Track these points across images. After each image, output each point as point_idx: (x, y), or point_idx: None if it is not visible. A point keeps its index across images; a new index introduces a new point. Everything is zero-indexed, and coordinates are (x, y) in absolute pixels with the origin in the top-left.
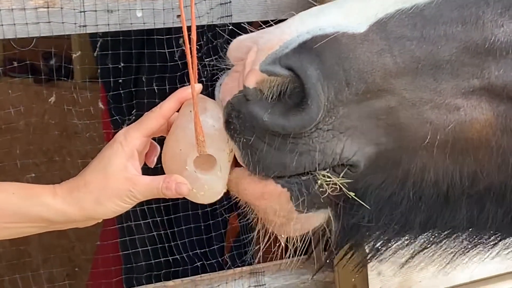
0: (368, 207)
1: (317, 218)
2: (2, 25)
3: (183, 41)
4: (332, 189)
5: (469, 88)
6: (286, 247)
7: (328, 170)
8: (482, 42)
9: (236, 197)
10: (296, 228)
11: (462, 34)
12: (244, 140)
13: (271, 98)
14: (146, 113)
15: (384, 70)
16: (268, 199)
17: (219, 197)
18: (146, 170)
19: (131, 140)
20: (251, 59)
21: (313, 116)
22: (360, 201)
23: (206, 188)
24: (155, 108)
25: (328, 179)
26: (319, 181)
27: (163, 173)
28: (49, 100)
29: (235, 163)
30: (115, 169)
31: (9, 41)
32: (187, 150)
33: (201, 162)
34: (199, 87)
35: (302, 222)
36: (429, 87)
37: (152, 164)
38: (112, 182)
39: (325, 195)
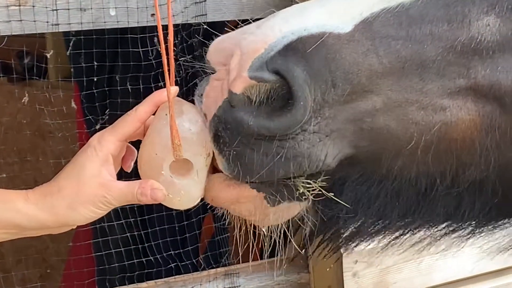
0: (347, 205)
1: (295, 208)
2: None
3: (158, 41)
4: (313, 194)
5: (455, 88)
6: (261, 247)
7: (305, 176)
8: (468, 41)
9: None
10: (276, 217)
11: (448, 33)
12: (234, 152)
13: (259, 103)
14: (121, 116)
15: (370, 71)
16: (244, 203)
17: (196, 202)
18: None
19: (106, 144)
20: (235, 63)
21: (298, 117)
22: (340, 201)
23: (183, 193)
24: (130, 111)
25: (308, 186)
26: (300, 190)
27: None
28: (22, 100)
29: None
30: (89, 175)
31: None
32: (163, 155)
33: (177, 166)
34: (175, 89)
35: (280, 213)
36: (415, 87)
37: (129, 168)
38: (86, 188)
39: (308, 202)
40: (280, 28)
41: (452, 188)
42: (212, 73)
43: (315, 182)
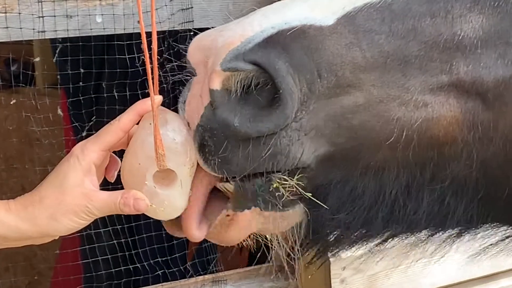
0: (325, 206)
1: (295, 215)
2: None
3: (146, 49)
4: (289, 192)
5: (438, 84)
6: (249, 255)
7: (282, 173)
8: (450, 37)
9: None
10: (275, 227)
11: (430, 29)
12: (219, 160)
13: (239, 94)
14: (104, 126)
15: (353, 64)
16: (248, 226)
17: (180, 213)
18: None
19: (88, 153)
20: (212, 61)
21: (288, 112)
22: (317, 201)
23: (166, 204)
24: (113, 121)
25: (284, 182)
26: (274, 184)
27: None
28: (11, 102)
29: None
30: (71, 184)
31: None
32: (147, 165)
33: (161, 177)
34: (159, 99)
35: (280, 221)
36: (398, 82)
37: (112, 178)
38: (68, 198)
39: (283, 198)
40: (260, 23)
41: (434, 183)
42: (194, 76)
43: (291, 180)
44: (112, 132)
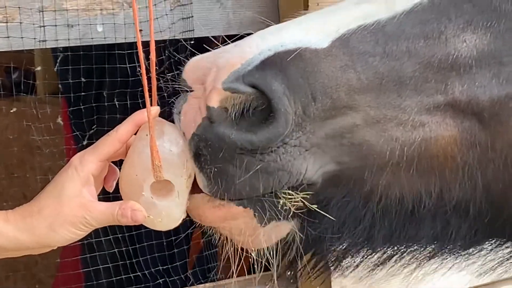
0: (330, 217)
1: (284, 228)
2: None
3: (145, 57)
4: (295, 206)
5: (434, 104)
6: (249, 262)
7: (286, 189)
8: (445, 57)
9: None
10: (264, 239)
11: (424, 50)
12: (215, 169)
13: (235, 115)
14: (102, 136)
15: (349, 86)
16: (232, 220)
17: (177, 223)
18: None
19: (87, 164)
20: (211, 79)
21: (280, 130)
22: (323, 213)
23: (164, 214)
24: (111, 131)
25: (290, 197)
26: (281, 201)
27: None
28: (11, 110)
29: (193, 189)
30: (70, 195)
31: None
32: (144, 176)
33: (158, 187)
34: (156, 110)
35: (270, 233)
36: (393, 103)
37: (110, 188)
38: (66, 208)
39: (290, 213)
40: (257, 44)
41: (438, 208)
42: (189, 91)
43: (297, 194)
44: (109, 143)
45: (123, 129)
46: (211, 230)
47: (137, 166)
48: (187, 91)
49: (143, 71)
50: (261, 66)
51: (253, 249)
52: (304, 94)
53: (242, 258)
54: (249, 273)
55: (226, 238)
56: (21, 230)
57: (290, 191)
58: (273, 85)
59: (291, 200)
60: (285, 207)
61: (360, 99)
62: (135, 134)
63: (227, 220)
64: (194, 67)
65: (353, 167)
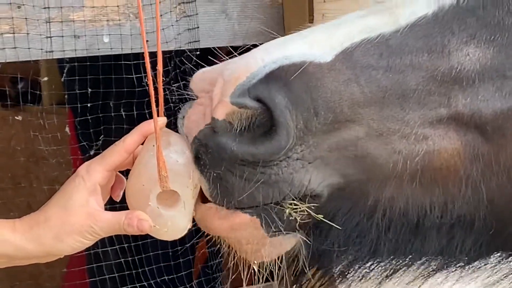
0: (337, 227)
1: (289, 242)
2: None
3: (151, 68)
4: (300, 216)
5: (437, 117)
6: (254, 273)
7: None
8: (448, 71)
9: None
10: (269, 252)
11: (428, 63)
12: (214, 174)
13: (240, 130)
14: (109, 146)
15: (352, 100)
16: (239, 230)
17: (183, 233)
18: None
19: (93, 174)
20: (218, 91)
21: (282, 143)
22: (329, 222)
23: (170, 224)
24: (118, 141)
25: (295, 207)
26: (287, 210)
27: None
28: (17, 118)
29: (201, 198)
30: (76, 204)
31: None
32: (150, 186)
33: (164, 197)
34: (163, 120)
35: (275, 246)
36: (396, 116)
37: (117, 198)
38: (73, 218)
39: (296, 223)
40: (262, 57)
41: (443, 220)
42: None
43: (302, 204)
44: (116, 153)
45: (130, 140)
46: (218, 240)
47: (144, 176)
48: (194, 99)
49: (150, 81)
50: (265, 80)
51: (256, 261)
52: (306, 108)
53: (249, 268)
54: (253, 283)
55: (233, 248)
56: (28, 239)
57: (295, 202)
58: (277, 98)
59: (296, 209)
60: (291, 218)
61: (364, 112)
62: (142, 144)
63: (234, 230)
64: (201, 78)
65: (357, 180)
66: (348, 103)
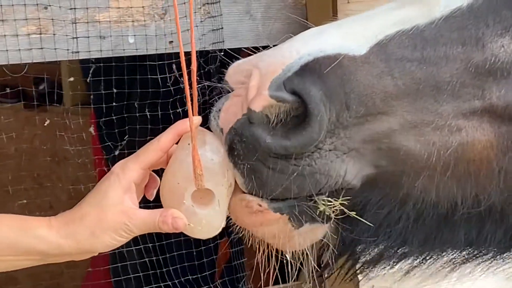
0: (369, 224)
1: (319, 231)
2: None
3: (177, 68)
4: (335, 213)
5: (470, 109)
6: (278, 271)
7: (326, 194)
8: (482, 63)
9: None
10: (300, 241)
11: (462, 55)
12: (248, 166)
13: (277, 123)
14: (144, 145)
15: (385, 93)
16: (269, 225)
17: (217, 232)
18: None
19: (128, 172)
20: (255, 82)
21: (314, 135)
22: (363, 220)
23: (204, 223)
24: (153, 140)
25: (329, 203)
26: (321, 207)
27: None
28: (45, 124)
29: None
30: (112, 202)
31: (0, 67)
32: (185, 184)
33: (199, 196)
34: (198, 119)
35: (305, 236)
36: (430, 108)
37: (151, 196)
38: (108, 215)
39: (330, 220)
40: (297, 49)
41: (473, 212)
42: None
43: (336, 200)
44: (151, 152)
45: (165, 138)
46: (243, 234)
47: (179, 174)
48: (229, 92)
49: (186, 81)
50: (300, 72)
51: (287, 251)
52: (339, 102)
53: (277, 263)
54: (275, 283)
55: (260, 241)
56: (64, 236)
57: (329, 198)
58: (311, 90)
59: (330, 206)
60: (325, 214)
61: (397, 105)
62: (177, 143)
63: (262, 225)
64: (236, 70)
65: (391, 171)
66: (381, 96)
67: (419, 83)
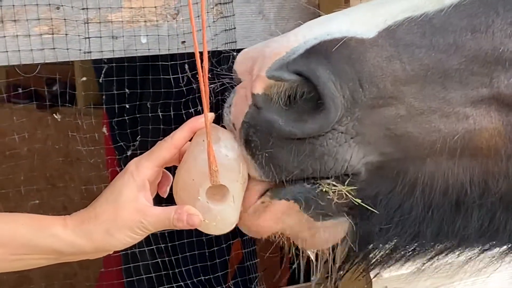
0: (376, 211)
1: (342, 227)
2: (7, 51)
3: (189, 68)
4: (338, 196)
5: (478, 97)
6: (290, 273)
7: (332, 179)
8: (491, 51)
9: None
10: (324, 238)
11: (471, 43)
12: (266, 154)
13: (280, 103)
14: (158, 142)
15: (394, 77)
16: (284, 219)
17: (232, 227)
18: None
19: (143, 170)
20: (257, 67)
21: (332, 115)
22: (366, 206)
23: (219, 219)
24: (167, 137)
25: (333, 187)
26: (323, 188)
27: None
28: (56, 118)
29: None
30: (126, 200)
31: (13, 68)
32: (200, 180)
33: (213, 192)
34: (211, 116)
35: (329, 232)
36: (438, 95)
37: (164, 194)
38: (123, 213)
39: (333, 203)
40: (304, 34)
41: (484, 199)
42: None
43: (342, 186)
44: (165, 149)
45: (179, 135)
46: (279, 237)
47: (194, 171)
48: (238, 82)
49: (201, 78)
50: (305, 54)
51: (313, 250)
52: (351, 79)
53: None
54: (289, 284)
55: (289, 240)
56: (79, 235)
57: (333, 182)
58: (318, 71)
59: (334, 190)
60: (328, 197)
61: (405, 90)
62: (190, 140)
63: (280, 221)
64: (244, 58)
65: (396, 158)
66: (390, 80)
67: (428, 70)
